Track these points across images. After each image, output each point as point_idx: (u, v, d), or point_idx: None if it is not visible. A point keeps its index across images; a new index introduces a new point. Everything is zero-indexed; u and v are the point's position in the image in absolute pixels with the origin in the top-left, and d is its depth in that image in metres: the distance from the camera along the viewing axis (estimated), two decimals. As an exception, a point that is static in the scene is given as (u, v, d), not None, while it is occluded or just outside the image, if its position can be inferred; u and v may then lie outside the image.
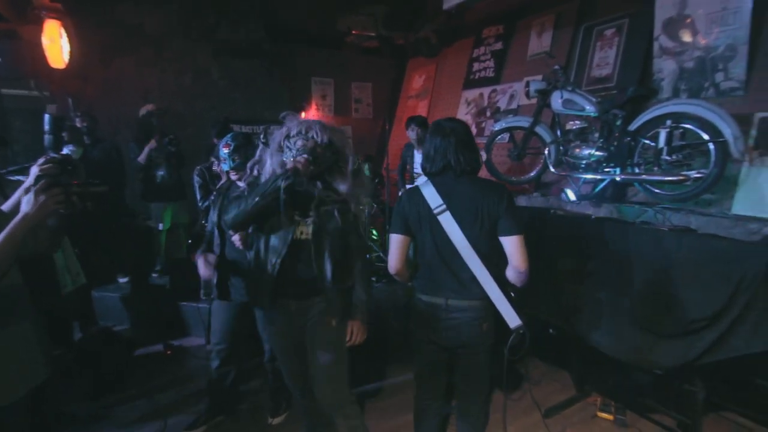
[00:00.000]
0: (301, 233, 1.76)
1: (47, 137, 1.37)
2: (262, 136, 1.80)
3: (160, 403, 2.77)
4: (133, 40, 4.76)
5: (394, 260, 1.83)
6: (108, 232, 3.79)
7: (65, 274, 3.01)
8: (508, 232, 1.73)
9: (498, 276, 1.77)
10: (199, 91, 5.20)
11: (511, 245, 1.72)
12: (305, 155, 1.68)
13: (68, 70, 4.18)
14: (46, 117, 1.38)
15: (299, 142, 1.73)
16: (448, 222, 1.73)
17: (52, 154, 1.31)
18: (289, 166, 1.67)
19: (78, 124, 3.75)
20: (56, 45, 4.02)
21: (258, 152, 1.87)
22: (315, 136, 1.72)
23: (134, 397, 2.84)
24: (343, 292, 1.84)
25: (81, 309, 3.55)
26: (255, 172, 1.86)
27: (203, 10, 5.13)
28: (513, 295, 1.81)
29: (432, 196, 1.76)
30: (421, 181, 2.72)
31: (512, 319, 1.76)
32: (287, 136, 1.76)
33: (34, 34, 3.96)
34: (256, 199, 1.66)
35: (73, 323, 3.22)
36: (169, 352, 3.42)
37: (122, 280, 4.19)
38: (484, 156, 3.90)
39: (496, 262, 1.79)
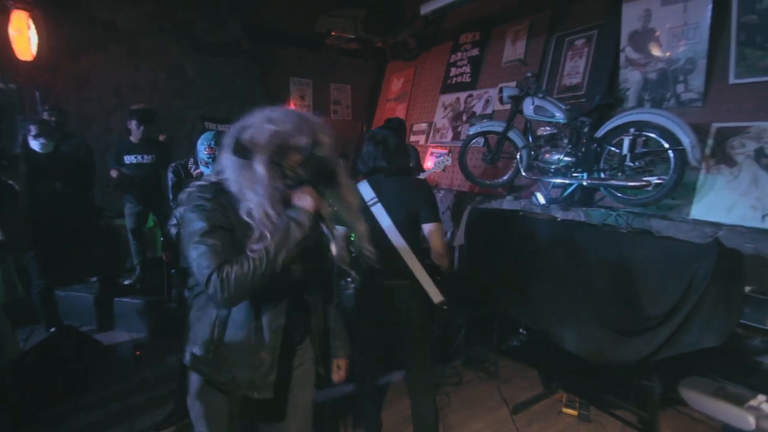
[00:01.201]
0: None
1: None
2: (229, 142, 1.19)
3: (128, 403, 2.72)
4: (105, 35, 4.64)
5: None
6: (75, 232, 3.68)
7: None
8: (428, 220, 2.07)
9: (422, 260, 2.09)
10: (175, 89, 5.11)
11: (431, 231, 2.08)
12: (311, 187, 1.21)
13: (36, 62, 4.04)
14: None
15: (306, 155, 1.20)
16: (379, 212, 2.04)
17: None
18: (308, 203, 1.19)
19: (46, 118, 3.64)
20: (23, 36, 3.88)
21: (222, 162, 1.23)
22: (327, 149, 1.23)
23: (102, 398, 2.78)
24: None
25: (46, 312, 3.45)
26: (235, 192, 1.20)
27: (179, 6, 5.05)
28: (439, 278, 2.12)
29: (366, 191, 2.07)
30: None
31: (435, 295, 2.07)
32: (282, 147, 1.18)
33: (1, 24, 3.83)
34: (278, 262, 1.14)
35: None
36: (138, 353, 3.36)
37: (92, 279, 4.09)
38: (450, 160, 4.03)
39: (420, 248, 2.12)
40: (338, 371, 1.60)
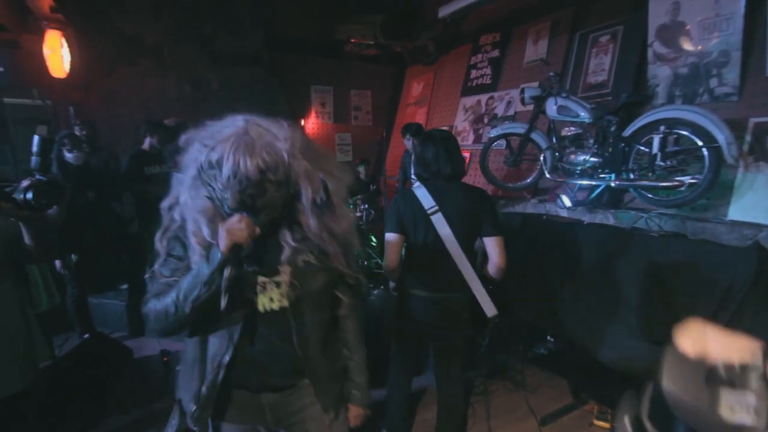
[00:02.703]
0: (272, 301, 1.17)
1: (34, 159, 1.33)
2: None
3: (155, 409, 2.77)
4: (133, 50, 4.81)
5: (390, 259, 1.99)
6: (107, 240, 3.81)
7: (42, 292, 3.00)
8: (491, 233, 1.97)
9: (477, 271, 2.00)
10: (200, 99, 5.25)
11: (493, 245, 1.97)
12: (244, 213, 1.05)
13: (69, 79, 4.23)
14: (36, 138, 1.34)
15: (225, 175, 1.05)
16: (439, 222, 1.93)
17: (38, 177, 1.30)
18: (222, 241, 1.03)
19: (77, 133, 3.79)
20: (57, 55, 4.07)
21: (172, 187, 1.20)
22: (246, 169, 1.03)
23: (129, 404, 2.84)
24: (335, 372, 1.34)
25: (80, 319, 3.58)
26: (177, 218, 1.17)
27: (201, 19, 5.19)
28: (491, 287, 2.04)
29: (425, 198, 1.96)
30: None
31: (489, 309, 2.00)
32: (203, 168, 1.08)
33: (35, 43, 4.02)
34: (187, 306, 1.06)
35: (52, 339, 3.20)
36: (166, 359, 3.42)
37: (123, 287, 4.21)
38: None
39: (475, 259, 2.03)
40: (353, 419, 1.38)
